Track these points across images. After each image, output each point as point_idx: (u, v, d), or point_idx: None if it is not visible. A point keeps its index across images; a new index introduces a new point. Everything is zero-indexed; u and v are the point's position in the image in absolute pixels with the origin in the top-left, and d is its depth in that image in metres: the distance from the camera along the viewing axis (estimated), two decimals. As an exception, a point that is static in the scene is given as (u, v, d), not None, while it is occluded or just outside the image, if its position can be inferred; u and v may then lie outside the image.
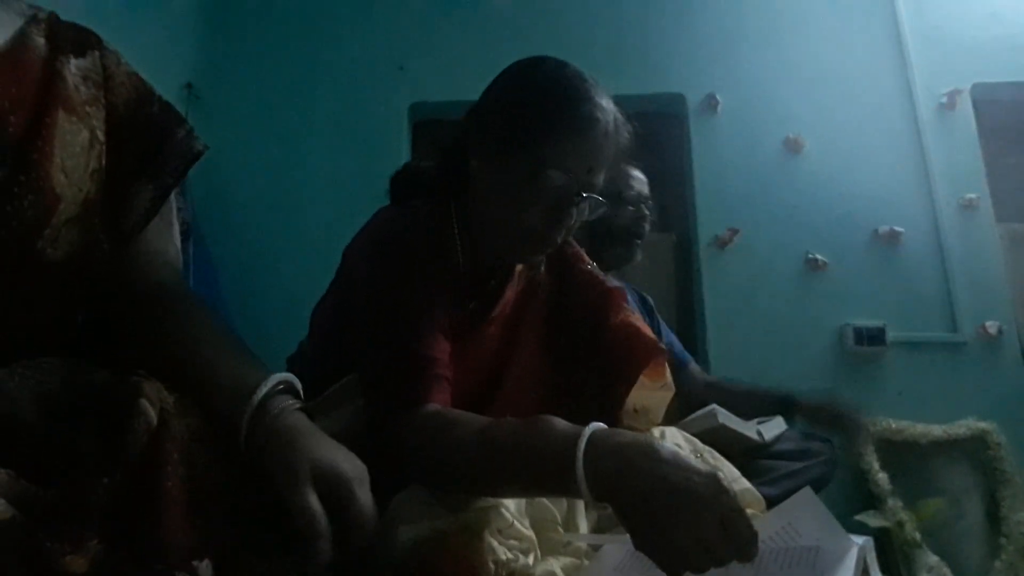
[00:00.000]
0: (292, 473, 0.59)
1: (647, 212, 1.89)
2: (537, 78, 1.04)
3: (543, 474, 0.77)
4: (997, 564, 2.39)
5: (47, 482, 0.51)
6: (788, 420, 1.75)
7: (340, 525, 0.60)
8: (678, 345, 2.08)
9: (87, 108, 0.70)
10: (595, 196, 1.01)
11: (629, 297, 2.00)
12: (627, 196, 1.86)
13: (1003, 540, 2.43)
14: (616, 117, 1.02)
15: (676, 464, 0.69)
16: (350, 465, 0.64)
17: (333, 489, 0.60)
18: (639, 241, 1.89)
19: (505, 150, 1.00)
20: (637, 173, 1.93)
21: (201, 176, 2.69)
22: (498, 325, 1.10)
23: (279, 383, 0.68)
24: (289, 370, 0.73)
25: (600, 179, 1.02)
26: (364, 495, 0.62)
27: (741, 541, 0.66)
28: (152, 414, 0.55)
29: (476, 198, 1.05)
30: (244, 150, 2.95)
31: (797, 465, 1.59)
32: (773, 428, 1.67)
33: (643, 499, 0.68)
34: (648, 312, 2.06)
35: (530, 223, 0.99)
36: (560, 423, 0.79)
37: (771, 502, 1.20)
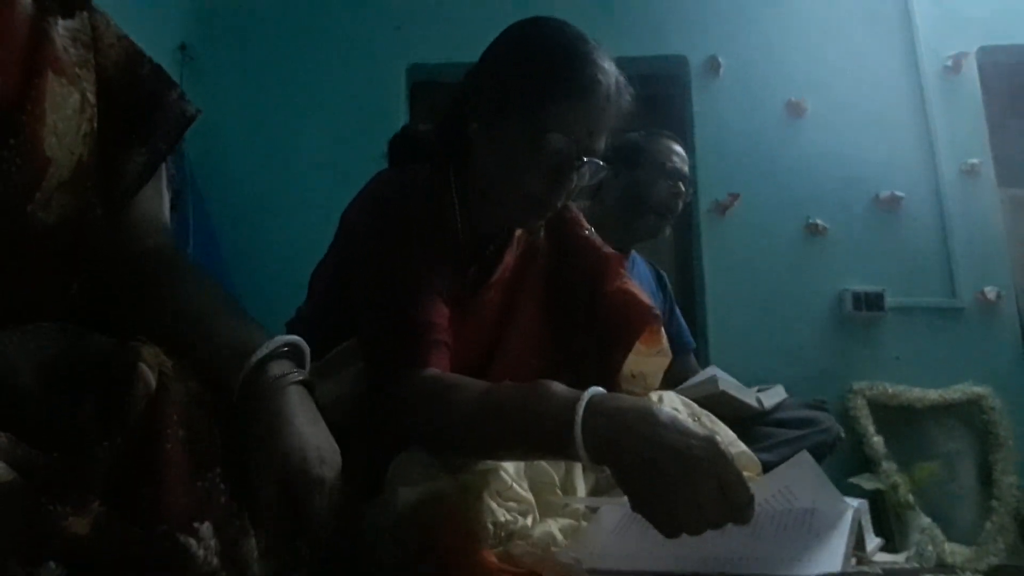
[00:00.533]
0: (259, 460, 0.61)
1: (684, 189, 1.88)
2: (538, 40, 1.03)
3: (542, 437, 0.77)
4: (988, 526, 2.43)
5: (47, 447, 0.51)
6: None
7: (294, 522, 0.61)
8: (687, 331, 2.09)
9: (77, 70, 0.69)
10: (595, 160, 1.00)
11: (645, 272, 2.01)
12: (668, 169, 1.86)
13: (994, 503, 2.47)
14: (618, 80, 1.01)
15: (674, 428, 0.70)
16: (320, 462, 0.63)
17: (295, 487, 0.61)
18: (671, 216, 1.89)
19: (505, 113, 0.99)
20: (679, 149, 1.93)
21: (197, 139, 2.67)
22: (497, 290, 1.10)
23: (283, 345, 0.68)
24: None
25: (601, 143, 1.00)
26: (320, 501, 0.62)
27: (738, 504, 0.66)
28: (151, 378, 0.55)
29: (476, 162, 1.04)
30: (239, 112, 2.92)
31: (796, 433, 1.60)
32: (773, 396, 1.68)
33: (641, 462, 0.68)
34: (663, 289, 2.07)
35: (530, 187, 0.99)
36: (559, 387, 0.79)
37: (768, 468, 1.21)
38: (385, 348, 0.95)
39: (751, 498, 0.67)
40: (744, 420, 1.54)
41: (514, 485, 0.84)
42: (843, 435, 1.79)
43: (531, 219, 1.07)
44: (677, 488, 0.66)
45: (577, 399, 0.75)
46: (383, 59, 3.05)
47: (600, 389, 0.77)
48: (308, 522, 0.62)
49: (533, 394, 0.79)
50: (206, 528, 0.54)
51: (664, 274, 2.11)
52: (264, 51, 3.05)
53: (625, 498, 0.71)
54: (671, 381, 1.25)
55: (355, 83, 3.01)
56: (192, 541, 0.53)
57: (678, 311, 2.10)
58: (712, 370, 1.61)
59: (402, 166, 1.10)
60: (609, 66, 1.00)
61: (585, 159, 0.98)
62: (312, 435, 0.64)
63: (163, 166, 0.80)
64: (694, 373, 1.97)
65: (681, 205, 1.91)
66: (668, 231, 1.93)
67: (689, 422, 0.77)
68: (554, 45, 1.00)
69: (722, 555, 0.72)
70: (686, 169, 1.92)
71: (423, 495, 0.79)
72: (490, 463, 0.85)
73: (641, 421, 0.71)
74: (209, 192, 2.71)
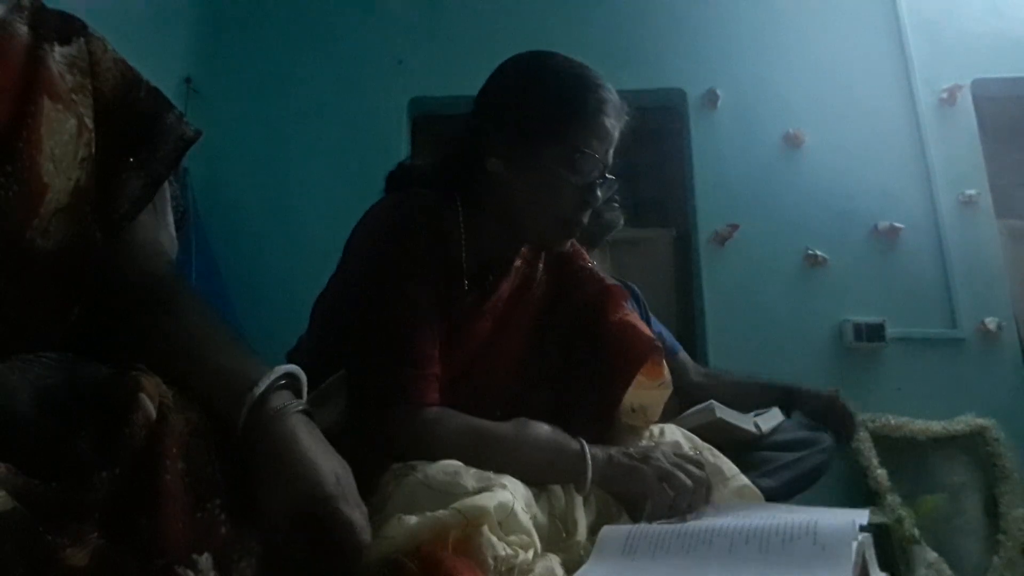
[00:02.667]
0: (271, 493, 0.61)
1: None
2: (544, 70, 1.08)
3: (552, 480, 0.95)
4: (995, 560, 2.40)
5: (45, 477, 0.51)
6: (784, 411, 1.75)
7: (327, 542, 0.61)
8: (667, 334, 2.08)
9: (73, 96, 0.70)
10: (609, 176, 1.06)
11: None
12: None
13: (1001, 536, 2.43)
14: (618, 99, 1.08)
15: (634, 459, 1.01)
16: (336, 481, 0.63)
17: (317, 511, 0.61)
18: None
19: (529, 142, 1.03)
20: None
21: (200, 169, 2.69)
22: (488, 318, 1.11)
23: (281, 377, 0.68)
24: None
25: (611, 158, 1.07)
26: (349, 511, 0.63)
27: (680, 488, 0.95)
28: (151, 408, 0.55)
29: (494, 196, 1.07)
30: (243, 144, 2.95)
31: (794, 455, 1.59)
32: (770, 420, 1.68)
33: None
34: (637, 302, 2.06)
35: (562, 208, 1.04)
36: (550, 433, 0.98)
37: (770, 493, 1.20)
38: (380, 379, 0.95)
39: (687, 486, 0.96)
40: (742, 445, 1.53)
41: (518, 514, 0.83)
42: (840, 442, 1.78)
43: (563, 239, 1.11)
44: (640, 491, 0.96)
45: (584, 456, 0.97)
46: (385, 92, 3.08)
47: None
48: (344, 532, 0.62)
49: (546, 444, 0.97)
50: (205, 560, 0.53)
51: (634, 286, 2.10)
52: (267, 83, 3.09)
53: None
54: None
55: (357, 116, 3.04)
56: (190, 573, 0.52)
57: (653, 318, 2.09)
58: (710, 403, 1.61)
59: (404, 192, 1.11)
60: (610, 86, 1.07)
61: (606, 176, 1.05)
62: (322, 458, 0.64)
63: (166, 187, 0.80)
64: (690, 370, 1.99)
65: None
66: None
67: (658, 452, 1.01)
68: (561, 72, 1.07)
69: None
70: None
71: (423, 524, 0.78)
72: (496, 493, 0.84)
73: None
74: (211, 221, 2.73)
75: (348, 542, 0.62)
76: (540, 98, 1.05)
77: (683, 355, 2.05)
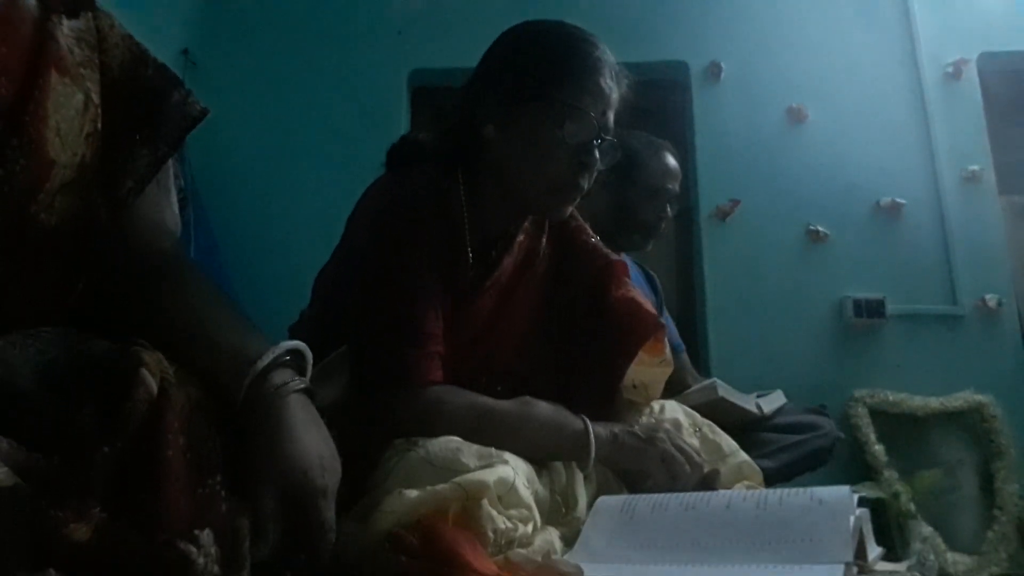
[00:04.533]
0: (260, 469, 0.61)
1: (671, 212, 1.87)
2: (538, 34, 1.08)
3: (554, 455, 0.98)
4: (990, 535, 2.42)
5: (48, 452, 0.51)
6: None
7: (300, 530, 0.62)
8: (674, 332, 2.08)
9: (81, 70, 0.69)
10: (611, 139, 1.04)
11: (634, 274, 2.00)
12: (662, 192, 1.83)
13: (997, 511, 2.46)
14: (616, 63, 1.07)
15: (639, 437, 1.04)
16: (323, 471, 0.64)
17: (298, 497, 0.62)
18: (655, 235, 1.87)
19: (522, 106, 1.02)
20: (676, 166, 1.88)
21: (199, 143, 2.67)
22: (492, 294, 1.10)
23: (286, 353, 0.68)
24: (291, 340, 0.73)
25: (611, 121, 1.05)
26: (326, 509, 0.64)
27: (674, 473, 1.00)
28: (152, 384, 0.55)
29: (492, 163, 1.06)
30: (242, 117, 2.92)
31: (796, 438, 1.59)
32: (773, 401, 1.68)
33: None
34: (655, 292, 2.05)
35: (558, 171, 1.02)
36: (556, 413, 0.99)
37: (769, 474, 1.21)
38: (384, 357, 0.95)
39: (686, 472, 1.01)
40: (744, 426, 1.54)
41: (519, 489, 0.84)
42: (842, 436, 1.78)
43: (561, 204, 1.08)
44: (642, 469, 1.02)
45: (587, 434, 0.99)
46: (384, 64, 3.05)
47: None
48: (311, 530, 0.62)
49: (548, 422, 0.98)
50: (206, 535, 0.54)
51: (654, 275, 2.10)
52: (266, 56, 3.06)
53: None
54: (668, 382, 1.25)
55: (357, 88, 3.02)
56: (192, 548, 0.52)
57: (667, 313, 2.09)
58: (713, 381, 1.61)
59: (406, 168, 1.10)
60: (607, 49, 1.06)
61: (604, 137, 1.03)
62: (314, 443, 0.65)
63: (170, 164, 0.80)
64: (688, 371, 1.97)
65: (665, 225, 1.89)
66: (650, 247, 1.91)
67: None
68: (555, 35, 1.06)
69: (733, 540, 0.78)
70: (678, 187, 1.90)
71: (424, 498, 0.79)
72: (497, 468, 0.85)
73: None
74: (210, 197, 2.71)
75: (316, 539, 0.63)
76: (530, 58, 1.05)
77: (685, 356, 2.05)
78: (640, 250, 1.89)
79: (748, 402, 1.61)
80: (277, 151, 2.95)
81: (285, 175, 2.92)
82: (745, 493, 0.88)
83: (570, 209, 1.12)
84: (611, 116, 1.05)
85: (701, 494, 0.89)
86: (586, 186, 1.05)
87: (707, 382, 1.58)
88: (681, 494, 0.91)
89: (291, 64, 3.05)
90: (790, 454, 1.53)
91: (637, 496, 0.93)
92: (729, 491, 0.95)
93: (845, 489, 0.80)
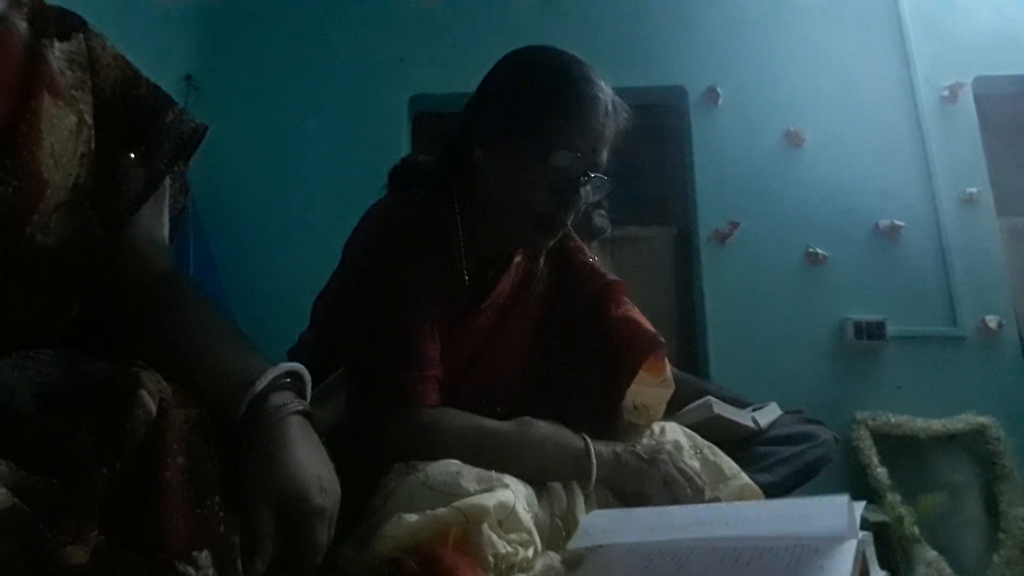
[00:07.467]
0: (258, 487, 0.60)
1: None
2: (535, 63, 1.06)
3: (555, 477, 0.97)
4: (995, 559, 2.40)
5: (46, 474, 0.51)
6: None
7: (290, 552, 0.61)
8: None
9: (73, 92, 0.70)
10: (600, 176, 1.03)
11: None
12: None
13: (1002, 535, 2.44)
14: (614, 99, 1.04)
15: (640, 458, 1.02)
16: (322, 492, 0.63)
17: (295, 517, 0.61)
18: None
19: (509, 136, 1.01)
20: None
21: (199, 166, 2.67)
22: (489, 315, 1.10)
23: (284, 375, 0.67)
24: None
25: (604, 159, 1.03)
26: (321, 531, 0.63)
27: (682, 497, 0.98)
28: (151, 404, 0.55)
29: (481, 188, 1.05)
30: (244, 142, 2.95)
31: (794, 449, 1.58)
32: (768, 414, 1.67)
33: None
34: None
35: (539, 205, 1.01)
36: (562, 435, 0.98)
37: (769, 488, 1.20)
38: (381, 380, 0.95)
39: (687, 496, 0.98)
40: (742, 441, 1.53)
41: (519, 513, 0.83)
42: (838, 438, 1.77)
43: (542, 237, 1.07)
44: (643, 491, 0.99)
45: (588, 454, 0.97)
46: (386, 90, 3.08)
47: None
48: (302, 551, 0.62)
49: (541, 436, 0.97)
50: (204, 557, 0.53)
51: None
52: (268, 81, 3.09)
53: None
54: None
55: (358, 113, 3.04)
56: (191, 570, 0.52)
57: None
58: (707, 399, 1.60)
59: (405, 190, 1.11)
60: (605, 84, 1.03)
61: (591, 175, 1.01)
62: (313, 464, 0.64)
63: (166, 184, 0.80)
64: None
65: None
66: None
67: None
68: (551, 67, 1.04)
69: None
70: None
71: (424, 523, 0.78)
72: (497, 492, 0.84)
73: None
74: (212, 220, 2.72)
75: (306, 560, 0.62)
76: (521, 89, 1.03)
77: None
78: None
79: (744, 417, 1.60)
80: (279, 175, 2.97)
81: (286, 199, 2.93)
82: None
83: (551, 243, 1.10)
84: (603, 152, 1.03)
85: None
86: (568, 221, 1.04)
87: (702, 400, 1.57)
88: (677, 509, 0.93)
89: (293, 89, 3.08)
90: (789, 466, 1.51)
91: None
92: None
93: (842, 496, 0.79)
